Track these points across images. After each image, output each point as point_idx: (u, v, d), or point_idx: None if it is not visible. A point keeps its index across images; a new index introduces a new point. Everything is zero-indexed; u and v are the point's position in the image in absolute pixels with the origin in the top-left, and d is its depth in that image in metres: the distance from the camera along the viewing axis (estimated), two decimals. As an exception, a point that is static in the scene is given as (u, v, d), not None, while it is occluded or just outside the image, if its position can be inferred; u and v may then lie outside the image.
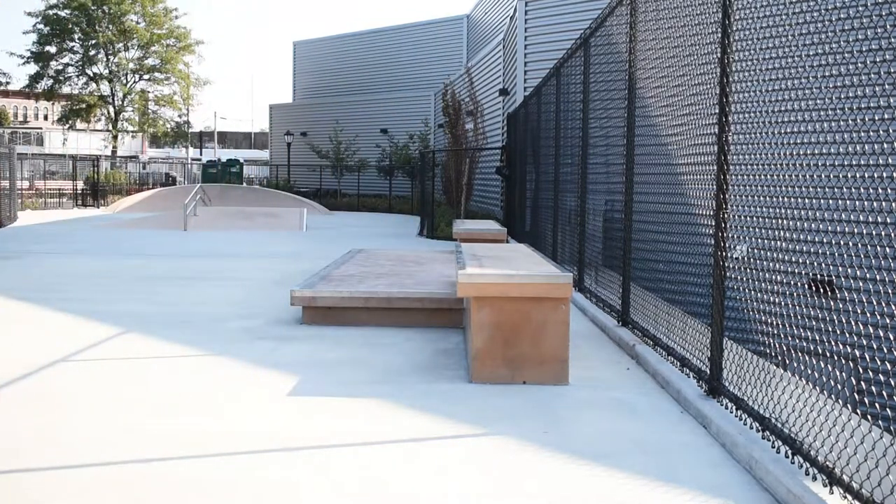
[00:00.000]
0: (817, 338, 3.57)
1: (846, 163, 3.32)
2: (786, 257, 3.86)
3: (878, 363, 3.08)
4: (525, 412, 4.71)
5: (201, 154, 69.24)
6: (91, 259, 13.23)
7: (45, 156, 57.61)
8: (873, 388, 3.16)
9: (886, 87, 2.99)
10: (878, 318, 3.10)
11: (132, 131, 51.98)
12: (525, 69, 19.55)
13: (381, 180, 35.56)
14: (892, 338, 2.97)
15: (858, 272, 3.21)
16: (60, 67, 46.22)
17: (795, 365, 3.84)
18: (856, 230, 3.20)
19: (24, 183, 39.76)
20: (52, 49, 45.55)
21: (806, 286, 3.83)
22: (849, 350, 3.31)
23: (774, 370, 4.13)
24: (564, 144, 10.65)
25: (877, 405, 3.10)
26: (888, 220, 2.99)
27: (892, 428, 3.28)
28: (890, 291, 2.99)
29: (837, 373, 3.45)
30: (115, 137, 47.48)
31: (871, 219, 3.08)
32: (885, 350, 3.04)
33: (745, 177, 4.43)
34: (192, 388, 5.21)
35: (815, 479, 3.28)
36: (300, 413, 4.67)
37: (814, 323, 3.62)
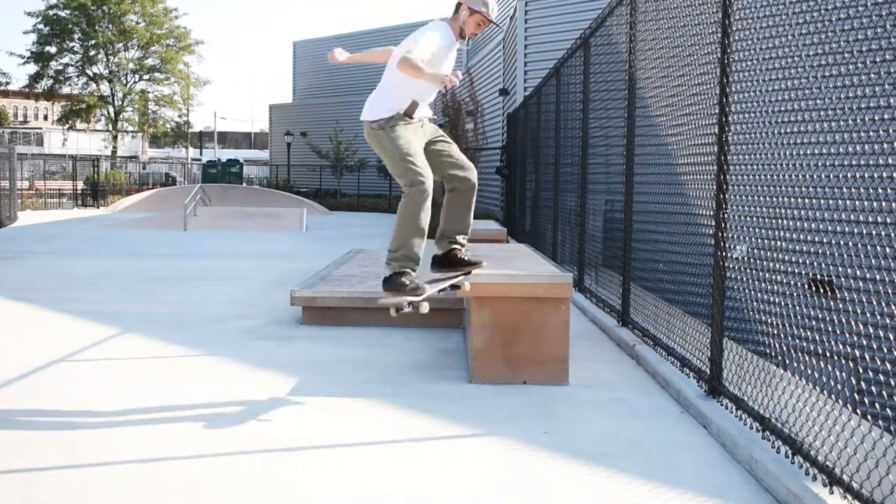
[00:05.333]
0: (817, 338, 3.57)
1: (846, 163, 3.32)
2: (786, 257, 3.86)
3: (878, 363, 3.08)
4: (525, 412, 4.71)
5: (201, 154, 69.22)
6: (91, 259, 13.22)
7: (45, 156, 57.63)
8: (873, 388, 3.16)
9: (886, 87, 2.99)
10: (878, 318, 3.10)
11: (132, 131, 51.99)
12: (525, 69, 19.55)
13: (380, 180, 35.51)
14: (892, 338, 2.97)
15: (858, 272, 3.21)
16: (60, 67, 46.22)
17: (795, 365, 3.84)
18: (856, 230, 3.20)
19: (24, 183, 39.77)
20: (52, 49, 45.55)
21: (806, 286, 3.83)
22: (849, 350, 3.31)
23: (774, 370, 4.13)
24: (564, 144, 10.64)
25: (877, 405, 3.10)
26: (888, 220, 2.99)
27: (892, 428, 3.28)
28: (890, 291, 2.99)
29: (837, 373, 3.45)
30: (115, 138, 47.48)
31: (871, 219, 3.08)
32: (885, 350, 3.04)
33: (745, 177, 4.43)
34: (191, 389, 5.20)
35: (815, 479, 3.28)
36: (299, 413, 4.67)
37: (814, 323, 3.62)
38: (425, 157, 4.76)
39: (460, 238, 4.97)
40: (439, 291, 4.77)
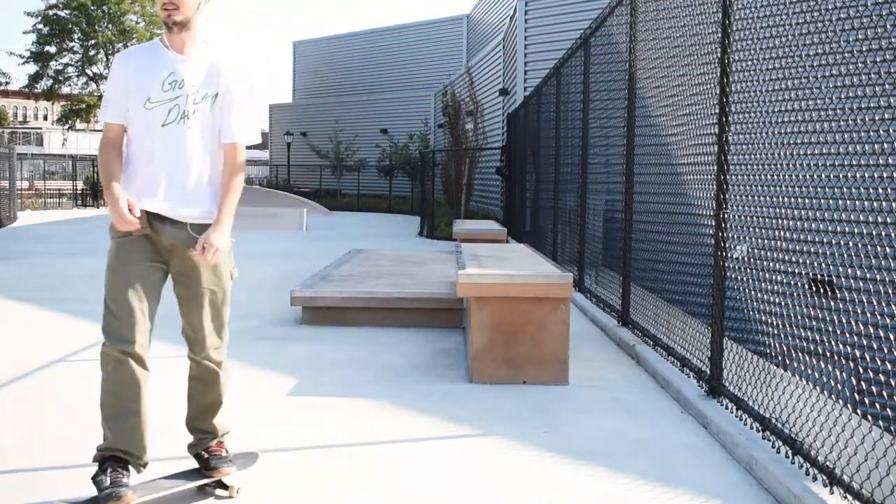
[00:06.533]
0: (817, 338, 3.57)
1: (846, 163, 3.32)
2: (786, 257, 3.86)
3: (878, 363, 3.08)
4: (525, 412, 4.71)
5: (201, 154, 69.10)
6: (91, 259, 13.22)
7: (44, 156, 57.68)
8: (873, 388, 3.16)
9: (886, 87, 2.99)
10: (878, 318, 3.10)
11: (132, 131, 51.96)
12: (525, 69, 19.55)
13: (381, 180, 35.56)
14: (892, 338, 2.97)
15: (858, 272, 3.21)
16: (60, 67, 46.23)
17: (795, 365, 3.84)
18: (856, 230, 3.21)
19: (24, 183, 39.79)
20: (52, 49, 45.57)
21: (806, 286, 3.84)
22: (849, 350, 3.31)
23: (774, 370, 4.13)
24: (564, 144, 10.65)
25: (877, 405, 3.10)
26: (888, 220, 2.99)
27: (892, 428, 3.28)
28: (890, 291, 3.00)
29: (837, 373, 3.45)
30: (114, 138, 47.44)
31: (871, 219, 3.08)
32: (885, 350, 3.04)
33: (745, 176, 4.44)
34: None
35: (815, 479, 3.28)
36: (299, 413, 4.66)
37: (814, 323, 3.62)
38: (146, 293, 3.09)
39: (208, 439, 3.48)
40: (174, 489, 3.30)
